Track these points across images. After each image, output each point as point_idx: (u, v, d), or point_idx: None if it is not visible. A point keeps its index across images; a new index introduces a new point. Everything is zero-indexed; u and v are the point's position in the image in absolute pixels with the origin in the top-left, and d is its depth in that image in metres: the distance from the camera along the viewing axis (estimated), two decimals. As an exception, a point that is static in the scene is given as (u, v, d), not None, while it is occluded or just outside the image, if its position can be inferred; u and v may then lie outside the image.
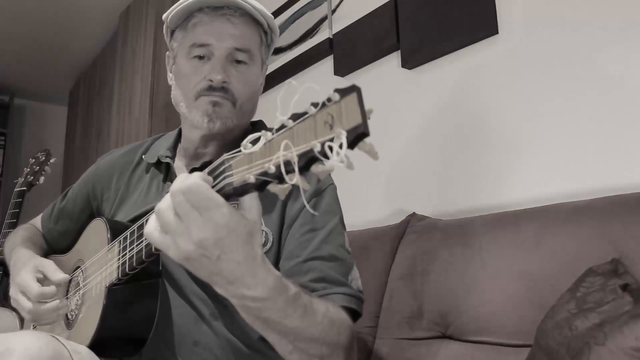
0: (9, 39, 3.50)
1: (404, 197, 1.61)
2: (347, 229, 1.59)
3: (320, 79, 1.97)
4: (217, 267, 0.61)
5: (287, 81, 0.58)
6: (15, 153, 4.22)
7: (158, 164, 1.01)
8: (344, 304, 0.84)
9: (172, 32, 0.99)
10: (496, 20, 1.38)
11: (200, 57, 0.93)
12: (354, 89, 0.46)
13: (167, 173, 0.99)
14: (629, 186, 1.07)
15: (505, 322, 1.04)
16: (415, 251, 1.29)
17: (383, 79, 1.72)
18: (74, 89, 4.20)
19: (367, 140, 0.46)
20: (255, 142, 0.54)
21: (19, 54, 3.73)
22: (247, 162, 0.55)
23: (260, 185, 0.53)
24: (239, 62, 0.94)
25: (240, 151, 0.55)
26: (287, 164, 0.50)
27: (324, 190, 0.94)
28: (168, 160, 0.99)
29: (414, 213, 1.42)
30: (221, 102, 0.92)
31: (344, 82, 1.84)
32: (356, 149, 0.47)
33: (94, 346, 0.82)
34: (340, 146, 0.46)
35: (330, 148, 0.46)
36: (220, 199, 0.58)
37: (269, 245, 0.90)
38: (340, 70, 1.85)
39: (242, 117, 0.96)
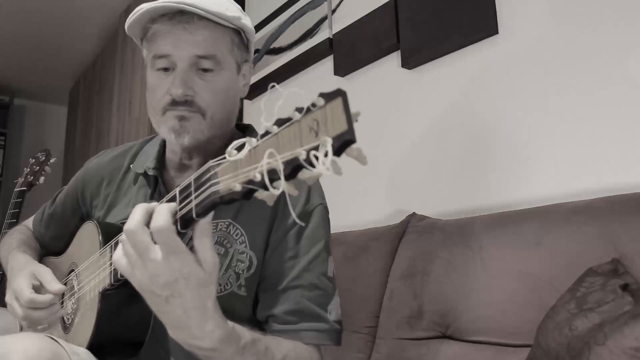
0: (9, 39, 3.50)
1: (404, 197, 1.61)
2: (347, 229, 1.60)
3: (320, 79, 1.97)
4: (165, 307, 0.64)
5: (270, 85, 0.59)
6: (15, 153, 4.22)
7: (146, 174, 0.98)
8: (313, 342, 0.84)
9: (142, 40, 0.94)
10: (496, 20, 1.38)
11: (165, 69, 0.88)
12: (339, 93, 0.45)
13: (156, 186, 0.96)
14: (629, 186, 1.07)
15: (505, 322, 1.04)
16: (415, 251, 1.29)
17: (383, 79, 1.72)
18: (74, 89, 4.20)
19: (354, 145, 0.45)
20: (240, 148, 0.53)
21: (19, 54, 3.73)
22: (233, 169, 0.54)
23: (246, 194, 0.52)
24: (205, 70, 0.87)
25: (225, 158, 0.55)
26: (273, 172, 0.49)
27: (310, 213, 0.91)
28: (155, 172, 0.96)
29: (414, 213, 1.42)
30: (188, 115, 0.87)
31: (344, 82, 1.84)
32: (344, 155, 0.45)
33: (91, 350, 0.82)
34: (326, 154, 0.44)
35: (316, 156, 0.45)
36: (182, 245, 0.61)
37: (253, 269, 0.88)
38: (340, 70, 1.85)
39: (216, 127, 0.90)
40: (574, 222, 1.02)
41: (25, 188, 2.09)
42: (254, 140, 0.52)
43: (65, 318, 0.95)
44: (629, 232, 0.92)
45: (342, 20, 1.83)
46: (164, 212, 0.61)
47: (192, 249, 0.64)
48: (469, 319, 1.11)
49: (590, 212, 1.01)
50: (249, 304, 0.89)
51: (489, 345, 1.06)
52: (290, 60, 2.06)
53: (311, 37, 1.97)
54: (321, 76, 1.97)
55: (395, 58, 1.68)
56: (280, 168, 0.48)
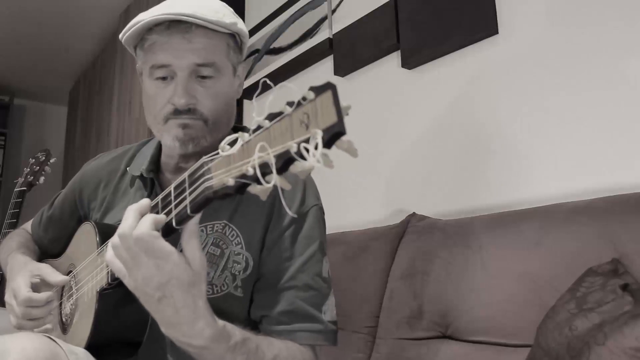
0: (9, 39, 3.50)
1: (404, 197, 1.60)
2: (347, 229, 1.60)
3: (320, 79, 1.97)
4: (157, 307, 0.67)
5: (261, 80, 0.61)
6: (15, 153, 4.22)
7: (142, 176, 0.98)
8: (308, 343, 0.85)
9: (135, 48, 0.93)
10: (496, 20, 1.38)
11: (164, 78, 0.88)
12: (329, 86, 0.46)
13: (152, 188, 0.96)
14: (629, 186, 1.07)
15: (505, 322, 1.04)
16: (415, 251, 1.29)
17: (383, 79, 1.72)
18: (74, 89, 4.19)
19: (344, 138, 0.45)
20: (233, 143, 0.54)
21: (19, 54, 3.73)
22: (226, 164, 0.54)
23: (240, 188, 0.53)
24: (204, 77, 0.88)
25: (218, 153, 0.55)
26: (265, 165, 0.49)
27: (306, 214, 0.91)
28: (151, 175, 0.96)
29: (414, 213, 1.42)
30: (191, 123, 0.87)
31: (344, 82, 1.84)
32: (334, 148, 0.46)
33: (89, 350, 0.82)
34: (316, 146, 0.45)
35: (307, 149, 0.45)
36: (166, 249, 0.63)
37: (249, 270, 0.88)
38: (340, 70, 1.85)
39: (217, 131, 0.90)
40: (574, 222, 1.01)
41: (25, 188, 2.09)
42: (246, 135, 0.52)
43: (64, 318, 0.95)
44: (629, 232, 0.92)
45: (342, 20, 1.83)
46: (145, 221, 0.64)
47: (180, 248, 0.65)
48: (469, 319, 1.11)
49: (590, 212, 1.01)
50: (245, 304, 0.90)
51: (489, 345, 1.06)
52: (290, 60, 2.06)
53: (311, 37, 1.97)
54: (321, 76, 1.97)
55: (395, 58, 1.68)
56: (272, 161, 0.48)
